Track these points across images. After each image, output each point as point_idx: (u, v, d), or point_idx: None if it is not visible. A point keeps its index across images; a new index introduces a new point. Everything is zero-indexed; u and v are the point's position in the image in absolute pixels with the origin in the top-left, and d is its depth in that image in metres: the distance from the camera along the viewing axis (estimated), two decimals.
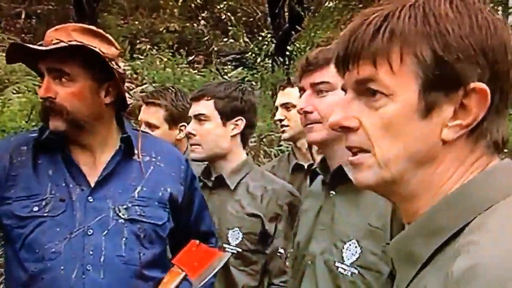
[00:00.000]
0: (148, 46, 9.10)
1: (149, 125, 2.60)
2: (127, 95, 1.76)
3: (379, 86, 0.73)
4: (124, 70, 1.72)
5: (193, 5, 9.71)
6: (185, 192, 1.77)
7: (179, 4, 10.17)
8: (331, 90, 1.43)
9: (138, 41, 9.77)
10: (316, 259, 1.44)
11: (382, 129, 0.73)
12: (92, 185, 1.64)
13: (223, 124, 2.05)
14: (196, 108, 2.07)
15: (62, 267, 1.56)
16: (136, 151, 1.72)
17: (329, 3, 10.18)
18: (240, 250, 1.98)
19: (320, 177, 1.56)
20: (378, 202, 1.32)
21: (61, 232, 1.58)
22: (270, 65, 8.01)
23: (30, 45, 1.59)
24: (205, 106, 2.05)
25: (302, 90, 1.50)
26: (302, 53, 7.54)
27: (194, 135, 2.06)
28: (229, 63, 10.25)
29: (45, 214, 1.59)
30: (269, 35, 9.38)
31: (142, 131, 1.92)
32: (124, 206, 1.64)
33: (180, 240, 1.76)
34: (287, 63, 7.44)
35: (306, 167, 2.61)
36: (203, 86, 2.18)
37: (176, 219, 1.75)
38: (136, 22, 11.49)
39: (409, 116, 0.71)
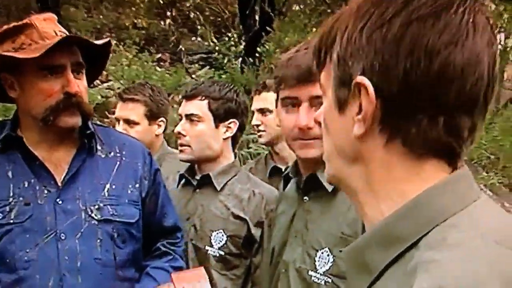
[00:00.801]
0: (114, 42, 8.88)
1: (128, 121, 2.56)
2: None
3: (321, 87, 0.79)
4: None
5: (161, 1, 9.55)
6: (149, 186, 1.72)
7: (146, 0, 10.00)
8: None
9: (104, 36, 9.54)
10: (289, 267, 1.42)
11: (323, 124, 0.78)
12: (59, 185, 1.54)
13: (215, 126, 1.98)
14: (188, 107, 1.99)
15: (37, 276, 1.47)
16: (99, 147, 1.65)
17: (296, 7, 10.25)
18: (223, 253, 1.92)
19: (294, 181, 1.53)
20: (350, 209, 1.31)
21: (31, 238, 1.48)
22: (239, 66, 7.97)
23: (94, 41, 1.59)
24: (198, 106, 1.97)
25: (295, 100, 1.39)
26: (272, 55, 7.55)
27: (184, 135, 1.98)
28: (196, 62, 10.15)
29: (11, 221, 1.48)
30: (235, 35, 9.36)
31: (101, 125, 1.85)
32: (96, 206, 1.57)
33: (147, 237, 1.72)
34: (257, 64, 7.41)
35: (284, 170, 2.58)
36: (194, 84, 2.09)
37: (142, 215, 1.69)
38: (101, 16, 11.23)
39: (332, 112, 0.74)
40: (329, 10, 10.46)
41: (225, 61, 8.56)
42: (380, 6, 0.68)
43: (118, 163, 1.67)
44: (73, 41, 1.52)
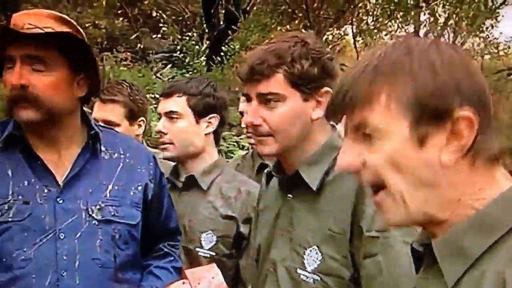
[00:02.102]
0: None
1: (108, 123, 2.39)
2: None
3: (372, 130, 0.79)
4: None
5: (122, 1, 9.44)
6: (154, 189, 1.71)
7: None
8: (281, 100, 1.36)
9: None
10: (277, 267, 1.41)
11: (388, 165, 0.79)
12: (60, 184, 1.52)
13: (196, 121, 1.97)
14: (167, 105, 1.97)
15: (34, 275, 1.45)
16: (103, 148, 1.63)
17: (259, 7, 10.36)
18: (214, 254, 1.90)
19: (276, 178, 1.52)
20: (334, 206, 1.32)
21: (29, 237, 1.46)
22: (204, 64, 8.01)
23: (15, 29, 1.44)
24: (177, 103, 1.96)
25: (247, 97, 1.43)
26: (236, 53, 7.64)
27: (165, 133, 1.96)
28: (159, 61, 10.11)
29: (10, 219, 1.45)
30: (195, 34, 9.38)
31: (106, 127, 1.84)
32: (97, 207, 1.54)
33: (150, 239, 1.72)
34: (224, 63, 7.48)
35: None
36: (171, 82, 2.09)
37: (145, 218, 1.68)
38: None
39: (408, 149, 0.77)
40: (289, 10, 10.66)
41: (187, 59, 8.58)
42: (442, 50, 0.79)
43: (121, 164, 1.65)
44: (42, 34, 1.46)
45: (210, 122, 2.00)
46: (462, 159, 0.77)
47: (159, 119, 2.03)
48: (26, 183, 1.50)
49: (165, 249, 1.82)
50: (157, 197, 1.73)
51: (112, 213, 1.57)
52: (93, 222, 1.53)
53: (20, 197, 1.48)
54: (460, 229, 0.77)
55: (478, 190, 0.78)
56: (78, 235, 1.50)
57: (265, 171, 1.60)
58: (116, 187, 1.60)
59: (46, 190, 1.50)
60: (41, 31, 1.47)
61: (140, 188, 1.66)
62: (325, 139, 1.40)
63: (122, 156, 1.67)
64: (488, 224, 0.76)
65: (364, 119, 0.79)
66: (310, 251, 1.34)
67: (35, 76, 1.47)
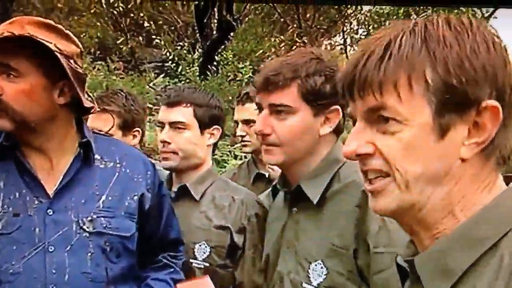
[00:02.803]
0: None
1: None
2: (86, 97, 1.59)
3: (391, 113, 0.74)
4: (84, 70, 1.57)
5: (114, 11, 9.44)
6: (152, 199, 1.66)
7: (100, 8, 9.85)
8: (292, 113, 1.38)
9: None
10: (284, 279, 1.41)
11: (401, 152, 0.74)
12: (51, 195, 1.49)
13: (200, 133, 1.95)
14: (173, 115, 1.93)
15: None
16: (98, 157, 1.58)
17: (250, 16, 10.41)
18: (208, 264, 1.87)
19: (282, 192, 1.53)
20: (338, 221, 1.32)
21: (18, 250, 1.43)
22: (197, 73, 8.02)
23: None
24: (184, 114, 1.93)
25: (259, 106, 1.45)
26: (230, 63, 7.66)
27: (169, 143, 1.92)
28: (151, 70, 10.10)
29: None
30: (187, 44, 9.38)
31: (104, 134, 1.82)
32: (89, 218, 1.50)
33: (149, 250, 1.69)
34: (218, 72, 7.49)
35: (267, 176, 2.60)
36: (175, 91, 2.01)
37: (144, 228, 1.64)
38: None
39: (426, 139, 0.73)
40: (282, 20, 10.72)
41: (180, 69, 8.58)
42: (472, 37, 0.74)
43: (117, 174, 1.60)
44: (10, 40, 1.41)
45: (212, 134, 1.99)
46: (477, 155, 0.73)
47: (161, 128, 1.97)
48: (17, 194, 1.47)
49: (165, 261, 1.78)
50: (155, 207, 1.69)
51: (104, 225, 1.53)
52: (84, 234, 1.49)
53: (10, 209, 1.45)
54: (442, 244, 0.74)
55: (479, 191, 0.75)
56: (68, 248, 1.47)
57: (271, 186, 1.60)
58: (110, 198, 1.56)
59: (36, 202, 1.47)
60: (9, 34, 1.41)
61: (135, 198, 1.61)
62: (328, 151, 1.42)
63: (118, 165, 1.62)
64: (472, 238, 0.72)
65: (383, 102, 0.74)
66: (315, 265, 1.35)
67: (6, 83, 1.43)
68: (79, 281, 1.46)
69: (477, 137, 0.72)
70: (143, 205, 1.63)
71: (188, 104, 1.93)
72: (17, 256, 1.42)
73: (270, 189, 1.66)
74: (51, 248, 1.45)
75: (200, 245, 1.87)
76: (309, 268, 1.35)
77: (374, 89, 0.74)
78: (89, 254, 1.49)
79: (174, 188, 1.99)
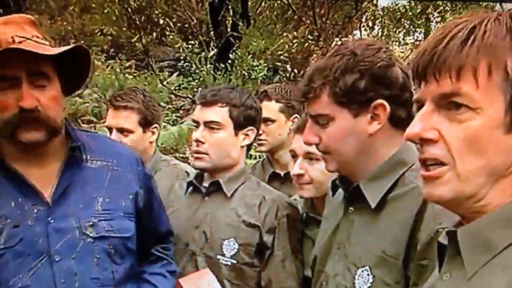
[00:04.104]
0: None
1: (122, 130, 2.46)
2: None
3: (465, 100, 0.73)
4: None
5: (129, 8, 9.41)
6: (144, 197, 1.65)
7: (113, 6, 9.84)
8: (330, 120, 1.34)
9: (72, 43, 9.31)
10: (329, 281, 1.39)
11: (466, 142, 0.73)
12: (50, 202, 1.43)
13: (235, 133, 1.93)
14: (208, 114, 1.92)
15: None
16: (88, 156, 1.54)
17: (263, 14, 10.32)
18: (235, 262, 1.86)
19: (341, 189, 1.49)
20: (393, 228, 1.26)
21: (24, 263, 1.38)
22: (211, 72, 7.94)
23: (35, 50, 1.35)
24: (219, 113, 1.91)
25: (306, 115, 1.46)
26: (244, 61, 7.56)
27: (203, 142, 1.91)
28: (164, 68, 10.06)
29: (1, 246, 1.37)
30: (199, 42, 9.31)
31: (90, 131, 1.75)
32: (90, 223, 1.47)
33: (143, 245, 1.67)
34: (230, 70, 7.40)
35: (282, 175, 2.61)
36: (212, 90, 1.98)
37: (139, 226, 1.62)
38: (65, 23, 10.97)
39: (494, 131, 0.72)
40: (296, 16, 10.60)
41: (193, 67, 8.50)
42: None
43: (109, 173, 1.57)
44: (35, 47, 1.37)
45: (247, 135, 1.96)
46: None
47: (195, 127, 1.97)
48: (13, 204, 1.40)
49: (158, 254, 1.77)
50: (147, 203, 1.66)
51: (106, 229, 1.49)
52: (88, 240, 1.45)
53: (8, 220, 1.39)
54: (486, 220, 0.74)
55: None
56: (74, 256, 1.42)
57: (331, 181, 1.55)
58: (107, 199, 1.52)
59: (35, 210, 1.41)
60: (49, 48, 1.39)
61: (131, 197, 1.58)
62: (393, 153, 1.32)
63: (110, 163, 1.58)
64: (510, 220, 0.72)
65: (460, 87, 0.73)
66: (362, 271, 1.29)
67: (40, 93, 1.38)
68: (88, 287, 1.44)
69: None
70: (138, 204, 1.61)
71: (224, 104, 1.90)
72: (24, 269, 1.38)
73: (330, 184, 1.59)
74: (57, 258, 1.41)
75: (228, 242, 1.86)
76: (356, 274, 1.30)
77: (452, 73, 0.73)
78: (95, 259, 1.47)
79: (205, 184, 1.99)
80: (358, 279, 1.29)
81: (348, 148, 1.33)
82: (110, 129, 2.51)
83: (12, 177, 1.43)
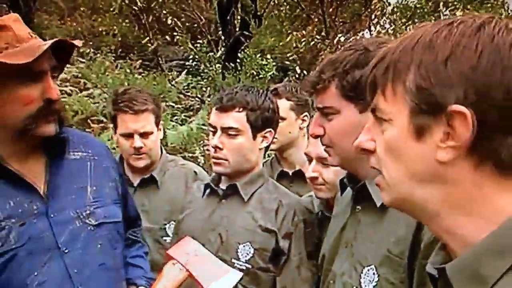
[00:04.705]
0: (92, 50, 8.74)
1: (145, 133, 2.42)
2: None
3: (380, 112, 0.80)
4: None
5: (135, 8, 9.43)
6: (120, 180, 1.70)
7: (122, 6, 9.86)
8: (336, 113, 1.35)
9: (82, 43, 9.35)
10: (336, 280, 1.38)
11: (386, 151, 0.79)
12: (44, 197, 1.45)
13: (253, 137, 1.90)
14: (226, 120, 1.88)
15: None
16: (70, 149, 1.56)
17: (272, 12, 10.30)
18: (250, 266, 1.84)
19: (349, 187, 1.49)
20: (398, 227, 1.26)
21: (36, 260, 1.39)
22: (220, 71, 7.94)
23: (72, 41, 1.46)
24: (236, 119, 1.87)
25: (314, 108, 1.47)
26: (252, 60, 7.54)
27: (221, 148, 1.88)
28: (173, 68, 10.07)
29: (13, 246, 1.36)
30: (207, 41, 9.30)
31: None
32: (87, 212, 1.51)
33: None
34: (239, 69, 7.39)
35: (291, 174, 2.59)
36: (228, 94, 1.93)
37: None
38: (75, 24, 11.02)
39: (405, 139, 0.76)
40: (305, 15, 10.57)
41: (202, 67, 8.50)
42: (458, 40, 0.73)
43: (91, 163, 1.60)
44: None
45: (265, 137, 1.93)
46: (463, 159, 0.73)
47: (212, 132, 1.95)
48: (12, 203, 1.40)
49: (132, 237, 1.82)
50: (123, 189, 1.71)
51: (102, 215, 1.54)
52: (89, 228, 1.50)
53: (13, 220, 1.38)
54: (474, 251, 0.73)
55: (494, 199, 0.73)
56: (79, 245, 1.46)
57: (339, 180, 1.55)
58: (94, 188, 1.56)
59: (34, 207, 1.42)
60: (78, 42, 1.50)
61: (113, 184, 1.63)
62: None
63: (87, 154, 1.60)
64: (505, 246, 0.71)
65: (376, 102, 0.81)
66: (368, 270, 1.28)
67: (54, 85, 1.43)
68: (99, 274, 1.49)
69: (453, 141, 0.73)
70: (118, 190, 1.66)
71: (241, 109, 1.87)
72: (36, 266, 1.39)
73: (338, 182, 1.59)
74: (65, 249, 1.43)
75: (244, 246, 1.85)
76: (362, 273, 1.30)
77: (370, 90, 0.83)
78: (99, 246, 1.52)
79: (222, 186, 1.97)
80: (364, 278, 1.29)
81: (350, 143, 1.33)
82: (131, 135, 2.41)
83: (5, 175, 1.42)
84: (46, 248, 1.41)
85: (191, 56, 8.94)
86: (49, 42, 1.37)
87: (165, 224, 2.46)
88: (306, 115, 2.62)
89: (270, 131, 1.94)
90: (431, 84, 0.73)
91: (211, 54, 8.51)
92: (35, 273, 1.39)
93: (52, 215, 1.44)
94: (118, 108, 2.40)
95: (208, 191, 2.02)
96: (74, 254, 1.45)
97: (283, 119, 2.55)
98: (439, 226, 0.78)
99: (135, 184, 2.48)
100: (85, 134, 1.79)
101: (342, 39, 9.98)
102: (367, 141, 0.84)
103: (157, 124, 2.48)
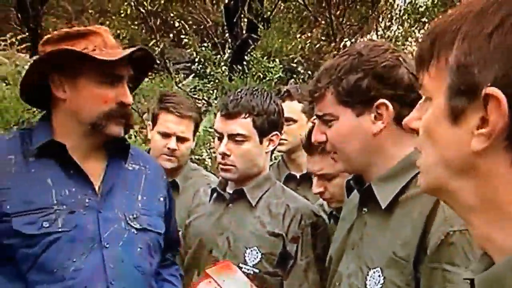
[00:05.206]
0: None
1: (182, 139, 2.46)
2: None
3: (424, 90, 0.74)
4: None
5: (143, 10, 9.47)
6: (168, 201, 1.76)
7: (129, 9, 9.91)
8: (334, 119, 1.36)
9: None
10: (342, 281, 1.38)
11: (425, 133, 0.73)
12: (98, 193, 1.55)
13: (260, 141, 1.90)
14: (232, 127, 1.88)
15: (85, 286, 1.45)
16: (129, 161, 1.69)
17: (279, 14, 10.30)
18: (257, 271, 1.84)
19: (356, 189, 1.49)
20: (404, 228, 1.25)
21: (77, 247, 1.47)
22: (226, 74, 7.93)
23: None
24: (243, 125, 1.87)
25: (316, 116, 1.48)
26: (259, 62, 7.53)
27: (229, 155, 1.88)
28: (180, 71, 10.09)
29: (59, 230, 1.45)
30: (212, 44, 9.31)
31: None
32: (133, 216, 1.59)
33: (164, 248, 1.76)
34: (246, 71, 7.38)
35: (298, 177, 2.59)
36: (233, 100, 1.91)
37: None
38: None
39: (441, 121, 0.70)
40: (312, 17, 10.55)
41: (208, 70, 8.51)
42: (508, 11, 0.64)
43: (144, 176, 1.69)
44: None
45: (272, 140, 1.93)
46: (497, 151, 0.64)
47: (218, 138, 1.94)
48: (67, 192, 1.49)
49: (171, 259, 1.88)
50: (169, 209, 1.77)
51: (147, 222, 1.60)
52: (132, 230, 1.56)
53: (64, 206, 1.47)
54: (502, 265, 0.65)
55: None
56: (120, 244, 1.52)
57: (345, 181, 1.56)
58: (144, 197, 1.64)
59: (87, 200, 1.51)
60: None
61: (162, 199, 1.71)
62: (406, 153, 1.30)
63: (143, 168, 1.71)
64: None
65: (422, 78, 0.75)
66: (374, 272, 1.28)
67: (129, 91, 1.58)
68: (133, 275, 1.54)
69: (487, 129, 0.64)
70: (166, 206, 1.73)
71: (247, 115, 1.87)
72: (76, 253, 1.46)
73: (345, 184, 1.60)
74: (106, 244, 1.50)
75: (251, 250, 1.86)
76: (368, 275, 1.29)
77: (416, 67, 0.76)
78: (139, 249, 1.58)
79: (229, 190, 1.98)
80: (369, 280, 1.29)
81: (353, 147, 1.34)
82: (169, 135, 2.44)
83: (67, 166, 1.53)
84: (89, 239, 1.48)
85: (197, 59, 8.95)
86: (131, 49, 1.51)
87: (179, 230, 2.47)
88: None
89: (277, 134, 1.93)
90: (471, 61, 0.65)
91: (217, 56, 8.51)
92: (74, 259, 1.45)
93: (101, 211, 1.52)
94: (164, 107, 2.45)
95: (215, 195, 2.02)
96: (114, 250, 1.51)
97: (295, 121, 2.55)
98: (473, 225, 0.71)
99: None
100: (144, 152, 1.93)
101: (349, 42, 9.95)
102: (413, 120, 0.77)
103: (194, 134, 2.51)
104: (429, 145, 0.72)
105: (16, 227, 1.41)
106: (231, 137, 1.88)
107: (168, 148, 2.41)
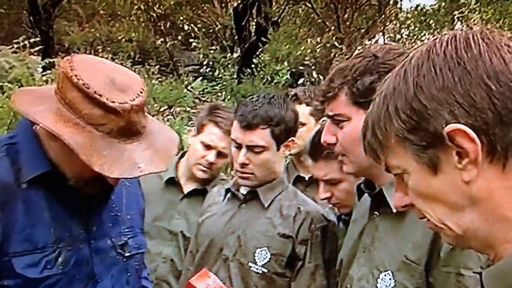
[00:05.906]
0: (110, 56, 8.86)
1: (222, 154, 2.40)
2: None
3: (394, 170, 0.80)
4: None
5: (154, 14, 9.56)
6: (143, 201, 1.70)
7: (139, 12, 10.00)
8: (347, 121, 1.34)
9: (100, 49, 9.50)
10: (353, 284, 1.38)
11: (419, 198, 0.78)
12: (87, 222, 1.44)
13: (277, 149, 1.94)
14: (251, 138, 1.89)
15: None
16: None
17: (287, 18, 10.36)
18: (266, 270, 1.88)
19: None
20: (416, 231, 1.24)
21: (73, 286, 1.40)
22: (235, 77, 8.00)
23: None
24: (262, 136, 1.89)
25: (326, 116, 1.46)
26: (267, 65, 7.61)
27: (248, 164, 1.92)
28: (188, 73, 10.17)
29: (60, 271, 1.36)
30: (221, 47, 9.38)
31: None
32: (122, 242, 1.52)
33: None
34: (255, 74, 7.45)
35: (307, 179, 2.62)
36: (251, 111, 1.90)
37: None
38: (93, 30, 11.18)
39: (427, 179, 0.75)
40: (320, 21, 10.61)
41: (216, 72, 8.59)
42: (416, 73, 0.75)
43: (125, 190, 1.58)
44: None
45: (287, 146, 1.98)
46: (487, 168, 0.70)
47: (236, 148, 1.96)
48: (63, 226, 1.39)
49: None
50: (144, 210, 1.71)
51: (134, 246, 1.56)
52: (122, 259, 1.52)
53: (62, 243, 1.38)
54: (506, 261, 0.71)
55: None
56: (111, 274, 1.48)
57: (356, 185, 1.54)
58: (128, 217, 1.57)
59: (81, 231, 1.42)
60: None
61: (141, 212, 1.66)
62: None
63: (123, 181, 1.54)
64: None
65: (385, 162, 0.81)
66: (385, 275, 1.28)
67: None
68: None
69: (468, 157, 0.70)
70: (143, 213, 1.68)
71: (266, 126, 1.90)
72: None
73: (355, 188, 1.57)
74: (98, 278, 1.45)
75: (261, 250, 1.90)
76: (379, 278, 1.29)
77: (373, 158, 0.84)
78: (128, 275, 1.53)
79: (243, 191, 2.02)
80: (380, 283, 1.28)
81: (363, 150, 1.35)
82: (209, 147, 2.37)
83: (61, 195, 1.39)
84: (84, 275, 1.42)
85: (206, 62, 9.02)
86: (141, 173, 1.30)
87: None
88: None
89: (292, 140, 1.98)
90: (416, 122, 0.73)
91: (226, 59, 8.59)
92: None
93: (92, 242, 1.44)
94: (213, 119, 2.39)
95: (229, 195, 2.07)
96: (105, 283, 1.46)
97: (303, 124, 2.57)
98: (485, 246, 0.75)
99: (185, 191, 2.45)
100: None
101: (357, 44, 9.99)
102: (401, 199, 0.81)
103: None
104: (429, 205, 0.77)
105: (17, 267, 1.31)
106: (250, 147, 1.90)
107: (206, 160, 2.37)
